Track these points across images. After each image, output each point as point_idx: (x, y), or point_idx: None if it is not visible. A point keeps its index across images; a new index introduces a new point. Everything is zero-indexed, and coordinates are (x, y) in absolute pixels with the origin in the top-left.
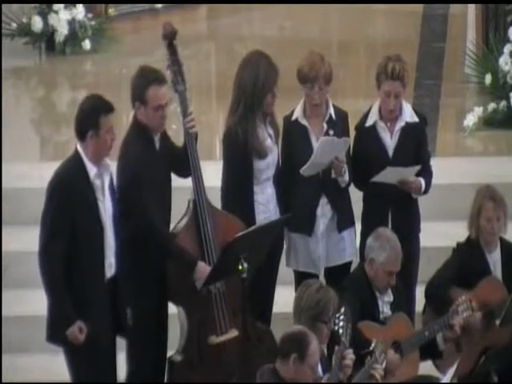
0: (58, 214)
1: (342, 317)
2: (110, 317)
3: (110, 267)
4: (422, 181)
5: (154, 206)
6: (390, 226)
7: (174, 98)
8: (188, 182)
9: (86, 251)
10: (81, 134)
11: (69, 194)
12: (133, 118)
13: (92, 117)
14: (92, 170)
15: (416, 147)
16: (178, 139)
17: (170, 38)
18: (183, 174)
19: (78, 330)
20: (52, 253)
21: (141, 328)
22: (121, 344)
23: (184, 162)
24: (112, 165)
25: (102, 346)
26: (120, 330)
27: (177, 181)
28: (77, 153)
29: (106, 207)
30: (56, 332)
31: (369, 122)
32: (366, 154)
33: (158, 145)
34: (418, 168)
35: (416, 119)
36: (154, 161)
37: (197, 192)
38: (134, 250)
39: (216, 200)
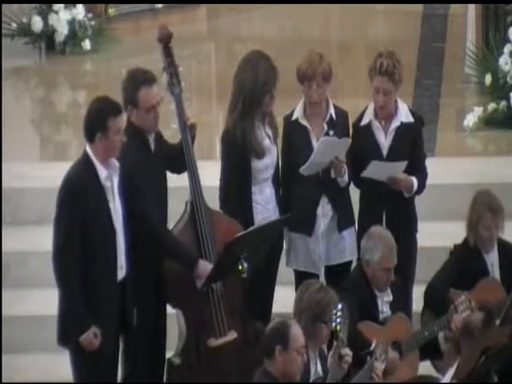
0: (70, 219)
1: (339, 313)
2: (117, 318)
3: (121, 269)
4: (414, 180)
5: (153, 209)
6: (384, 225)
7: (170, 100)
8: (186, 182)
9: (100, 254)
10: (89, 136)
11: (81, 197)
12: (126, 122)
13: (100, 119)
14: (103, 172)
15: (411, 147)
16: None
17: (165, 40)
18: (177, 171)
19: (92, 336)
20: (67, 258)
21: (139, 329)
22: None
23: (179, 159)
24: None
25: (108, 348)
26: (123, 329)
27: (176, 181)
28: (86, 155)
29: (117, 208)
30: (69, 336)
31: (364, 121)
32: (361, 153)
33: (153, 146)
34: (404, 164)
35: (411, 119)
36: (150, 163)
37: (194, 193)
38: (133, 251)
39: (215, 200)
